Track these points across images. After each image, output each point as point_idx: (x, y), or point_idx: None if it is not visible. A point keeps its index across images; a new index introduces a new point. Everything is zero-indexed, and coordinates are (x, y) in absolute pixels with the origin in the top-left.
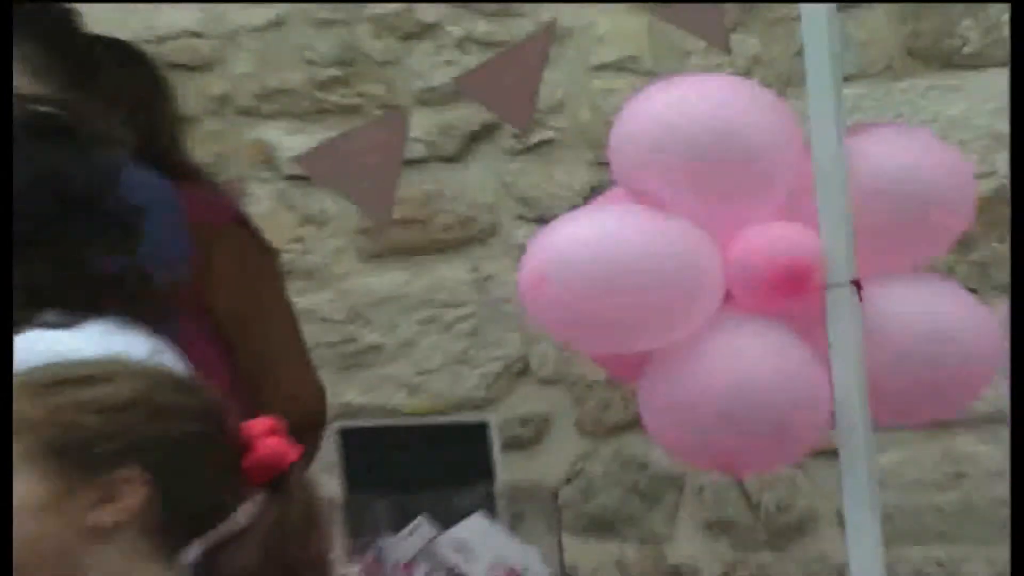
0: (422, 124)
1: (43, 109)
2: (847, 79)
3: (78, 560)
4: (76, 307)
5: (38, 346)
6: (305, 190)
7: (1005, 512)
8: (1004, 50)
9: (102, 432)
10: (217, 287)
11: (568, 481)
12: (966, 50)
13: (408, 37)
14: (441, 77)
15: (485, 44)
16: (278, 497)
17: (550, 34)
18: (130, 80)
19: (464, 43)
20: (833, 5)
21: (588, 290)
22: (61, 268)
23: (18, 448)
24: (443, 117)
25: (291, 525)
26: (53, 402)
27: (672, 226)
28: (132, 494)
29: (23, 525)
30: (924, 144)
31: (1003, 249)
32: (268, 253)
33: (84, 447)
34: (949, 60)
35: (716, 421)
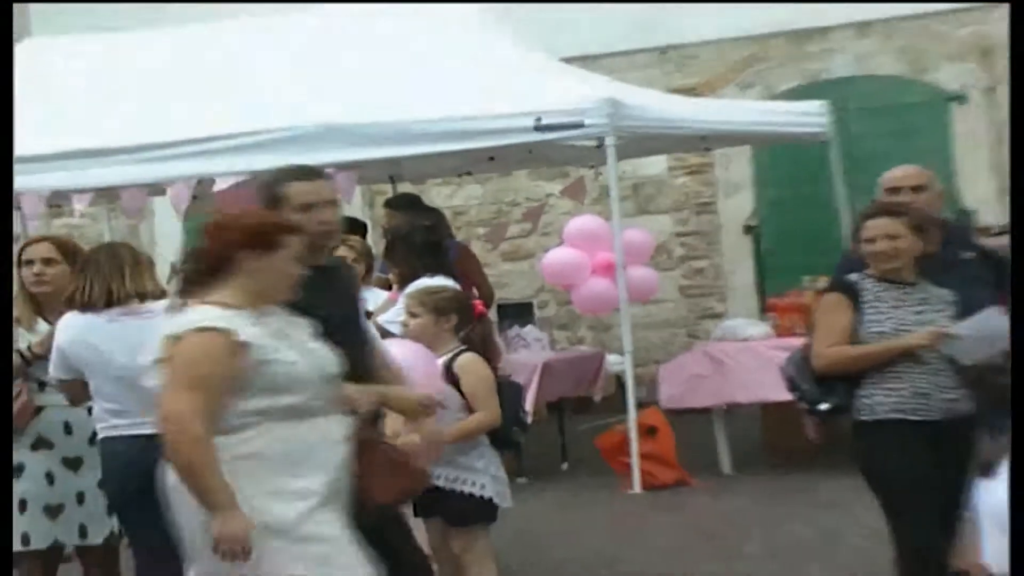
0: None
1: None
2: None
3: None
4: (442, 273)
5: (437, 282)
6: None
7: None
8: None
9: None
10: (466, 262)
11: None
12: None
13: None
14: None
15: None
16: (479, 324)
17: None
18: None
19: None
20: None
21: None
22: (436, 265)
23: None
24: None
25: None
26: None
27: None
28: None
29: None
30: None
31: None
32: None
33: None
34: None
35: None
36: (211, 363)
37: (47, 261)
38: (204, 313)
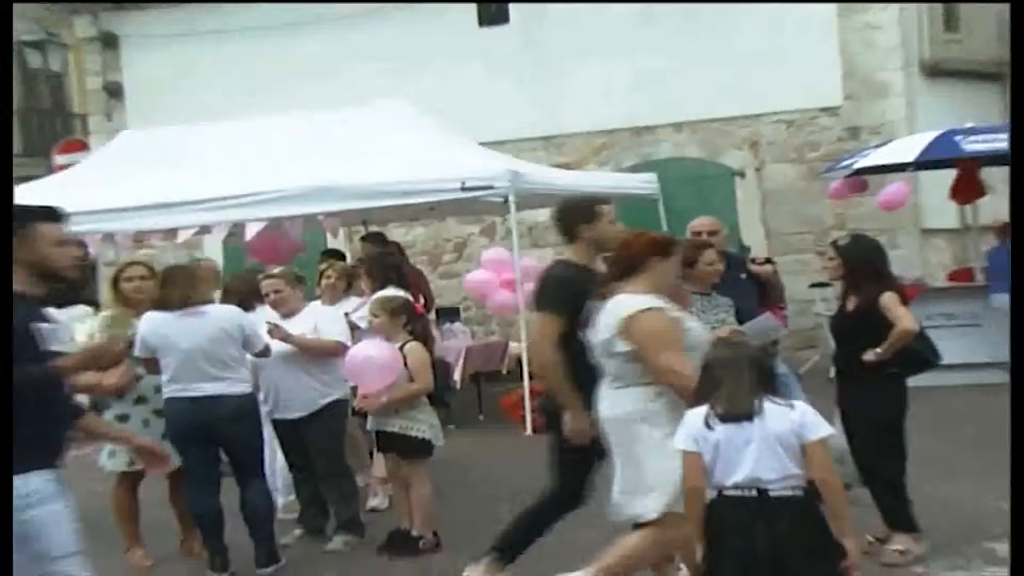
0: None
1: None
2: None
3: None
4: (397, 286)
5: (392, 292)
6: None
7: None
8: None
9: None
10: (415, 278)
11: None
12: None
13: None
14: None
15: None
16: (419, 321)
17: None
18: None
19: None
20: None
21: None
22: (393, 281)
23: None
24: None
25: (425, 326)
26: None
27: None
28: None
29: None
30: None
31: None
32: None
33: None
34: None
35: None
36: (673, 330)
37: (142, 277)
38: (637, 299)
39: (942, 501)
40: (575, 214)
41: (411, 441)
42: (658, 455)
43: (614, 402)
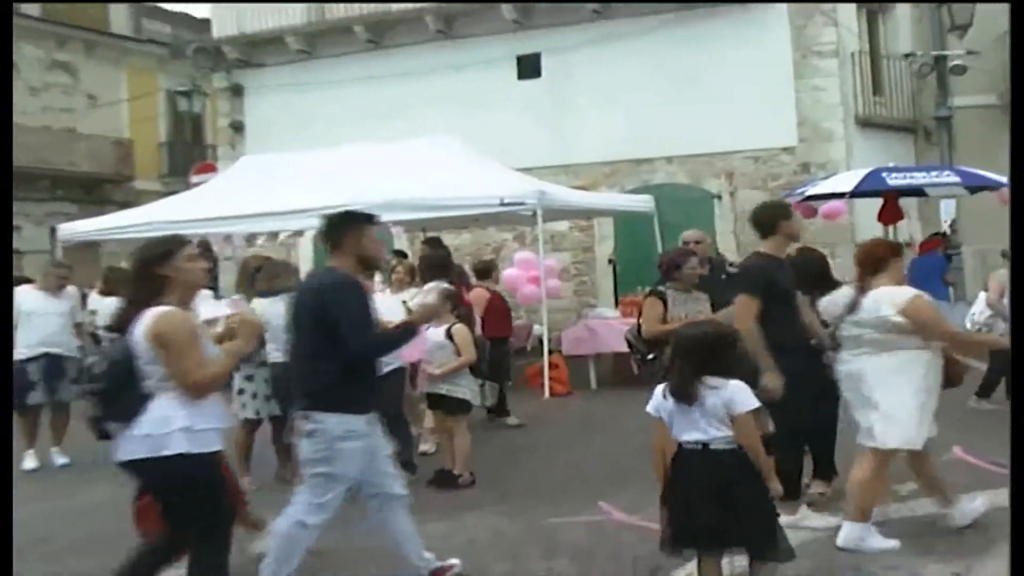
0: None
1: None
2: None
3: None
4: (445, 279)
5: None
6: None
7: None
8: None
9: None
10: (461, 276)
11: None
12: None
13: None
14: None
15: None
16: (464, 308)
17: None
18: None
19: None
20: None
21: None
22: (443, 275)
23: None
24: None
25: (468, 312)
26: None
27: None
28: None
29: None
30: None
31: None
32: (465, 273)
33: None
34: None
35: None
36: (939, 312)
37: (257, 269)
38: (904, 289)
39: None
40: (776, 212)
41: (454, 401)
42: (905, 401)
43: (879, 363)
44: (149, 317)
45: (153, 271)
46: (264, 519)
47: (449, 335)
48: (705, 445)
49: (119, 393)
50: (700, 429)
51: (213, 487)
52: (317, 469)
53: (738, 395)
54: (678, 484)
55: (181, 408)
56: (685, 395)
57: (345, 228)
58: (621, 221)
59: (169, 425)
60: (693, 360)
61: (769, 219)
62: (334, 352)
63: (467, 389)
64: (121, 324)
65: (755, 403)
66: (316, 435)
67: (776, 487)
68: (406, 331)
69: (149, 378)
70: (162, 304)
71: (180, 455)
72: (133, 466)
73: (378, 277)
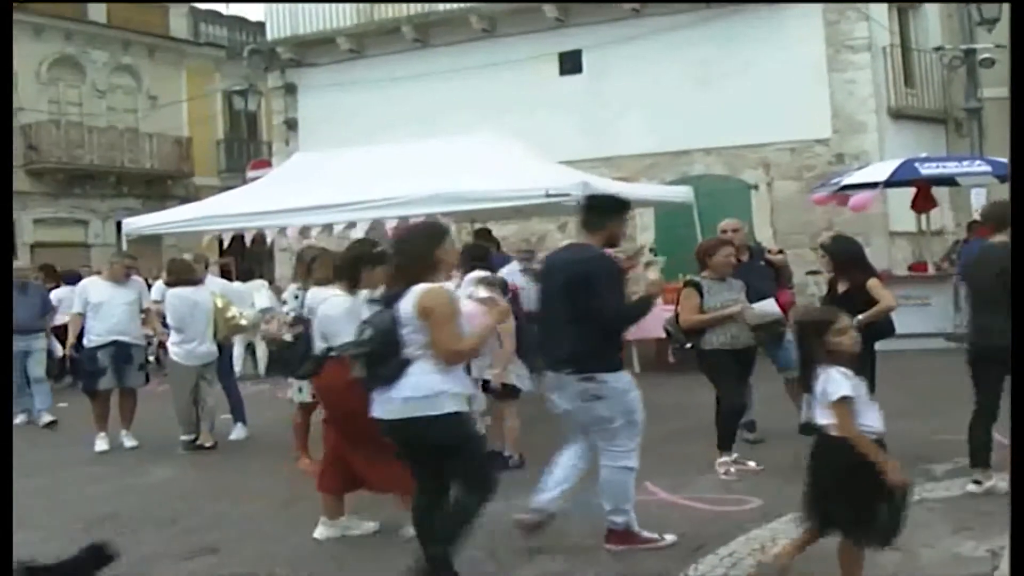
0: None
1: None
2: None
3: None
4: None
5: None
6: None
7: None
8: None
9: None
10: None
11: None
12: None
13: None
14: None
15: None
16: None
17: None
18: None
19: None
20: None
21: None
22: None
23: None
24: None
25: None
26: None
27: None
28: None
29: None
30: None
31: None
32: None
33: None
34: None
35: None
36: None
37: (313, 259)
38: None
39: (893, 435)
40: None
41: (503, 386)
42: None
43: None
44: (418, 292)
45: (430, 253)
46: None
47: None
48: (820, 430)
49: (383, 358)
50: (819, 414)
51: (474, 441)
52: (617, 422)
53: (829, 384)
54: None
55: (438, 374)
56: (805, 382)
57: (609, 212)
58: (661, 212)
59: (432, 388)
60: (802, 348)
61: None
62: (591, 318)
63: (515, 375)
64: (388, 297)
65: (844, 391)
66: (605, 393)
67: (894, 476)
68: (648, 303)
69: (411, 345)
70: (431, 281)
71: (447, 414)
72: (393, 425)
73: None
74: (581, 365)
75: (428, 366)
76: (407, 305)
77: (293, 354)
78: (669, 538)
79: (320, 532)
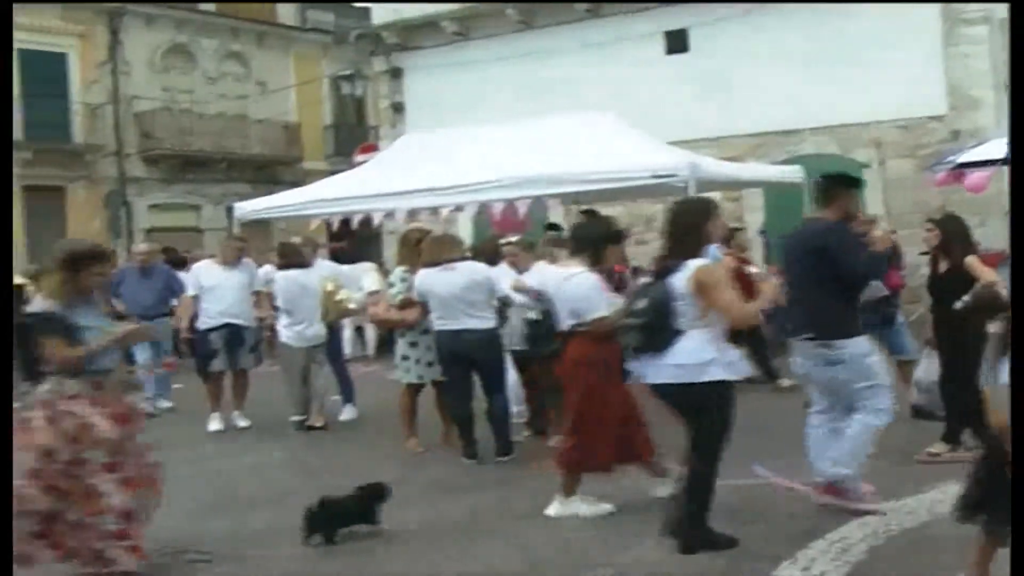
0: None
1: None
2: None
3: None
4: None
5: None
6: None
7: None
8: None
9: None
10: None
11: None
12: None
13: None
14: None
15: None
16: (618, 276)
17: None
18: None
19: None
20: None
21: None
22: None
23: None
24: None
25: (623, 280)
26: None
27: None
28: None
29: None
30: None
31: None
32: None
33: None
34: None
35: None
36: None
37: (418, 241)
38: None
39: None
40: None
41: None
42: None
43: None
44: (693, 267)
45: (701, 227)
46: (667, 467)
47: None
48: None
49: (656, 329)
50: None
51: (726, 413)
52: (862, 384)
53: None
54: None
55: (709, 344)
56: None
57: (840, 188)
58: (771, 192)
59: (703, 357)
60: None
61: None
62: (836, 286)
63: None
64: (662, 271)
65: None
66: (848, 359)
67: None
68: (881, 257)
69: (683, 317)
70: (701, 255)
71: (715, 382)
72: (665, 390)
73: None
74: (820, 331)
75: (699, 336)
76: (681, 279)
77: (539, 330)
78: (885, 506)
79: (554, 509)
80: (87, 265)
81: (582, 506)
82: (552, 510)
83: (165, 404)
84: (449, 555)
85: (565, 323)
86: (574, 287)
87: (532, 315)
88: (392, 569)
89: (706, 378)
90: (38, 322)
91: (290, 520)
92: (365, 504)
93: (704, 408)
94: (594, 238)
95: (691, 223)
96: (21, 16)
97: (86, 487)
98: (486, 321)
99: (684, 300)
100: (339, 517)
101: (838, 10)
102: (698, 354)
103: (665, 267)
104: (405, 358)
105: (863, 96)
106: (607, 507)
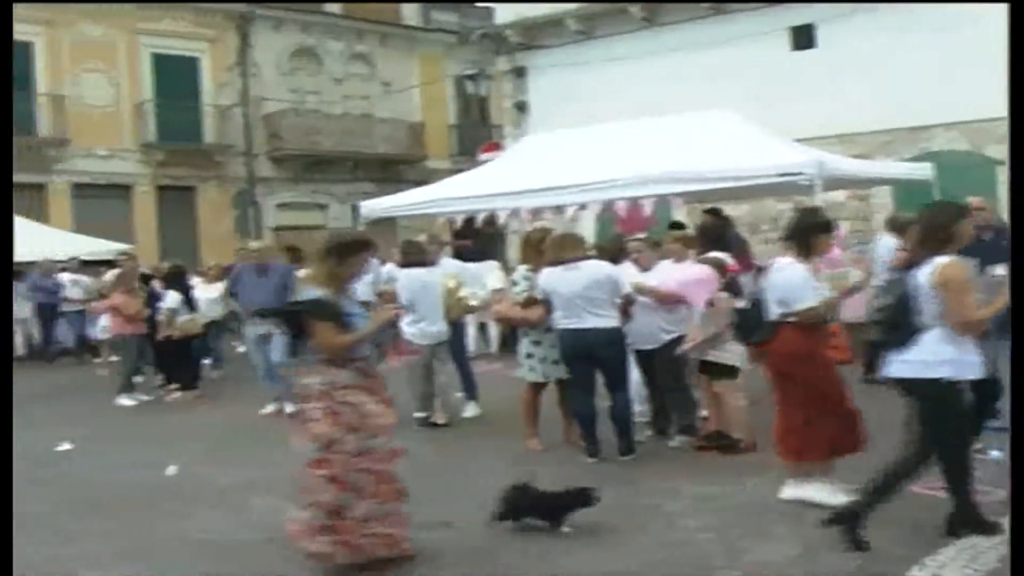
0: None
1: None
2: None
3: None
4: (722, 249)
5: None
6: None
7: None
8: None
9: None
10: (741, 243)
11: None
12: None
13: None
14: None
15: None
16: (730, 276)
17: None
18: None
19: None
20: None
21: None
22: (720, 245)
23: None
24: None
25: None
26: (713, 260)
27: None
28: None
29: None
30: None
31: None
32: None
33: None
34: None
35: None
36: None
37: (541, 240)
38: None
39: None
40: None
41: (721, 366)
42: None
43: None
44: (937, 265)
45: (949, 228)
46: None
47: (710, 303)
48: None
49: (898, 323)
50: None
51: (962, 408)
52: None
53: None
54: None
55: (948, 343)
56: None
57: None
58: (900, 190)
59: (939, 355)
60: None
61: None
62: None
63: (734, 354)
64: (908, 266)
65: None
66: None
67: None
68: None
69: (924, 314)
70: (945, 255)
71: (943, 380)
72: (902, 383)
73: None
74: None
75: (940, 334)
76: (925, 275)
77: (747, 320)
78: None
79: (787, 493)
80: (353, 254)
81: (817, 491)
82: (785, 493)
83: (285, 407)
84: (568, 553)
85: (773, 312)
86: (783, 277)
87: (741, 303)
88: (508, 560)
89: (933, 375)
90: (312, 308)
91: (414, 516)
92: (564, 504)
93: (934, 405)
94: (803, 228)
95: (942, 223)
96: (154, 22)
97: (377, 475)
98: (609, 320)
99: (926, 296)
100: (532, 508)
101: (969, 4)
102: (934, 351)
103: (912, 262)
104: (528, 356)
105: (996, 90)
106: (842, 496)
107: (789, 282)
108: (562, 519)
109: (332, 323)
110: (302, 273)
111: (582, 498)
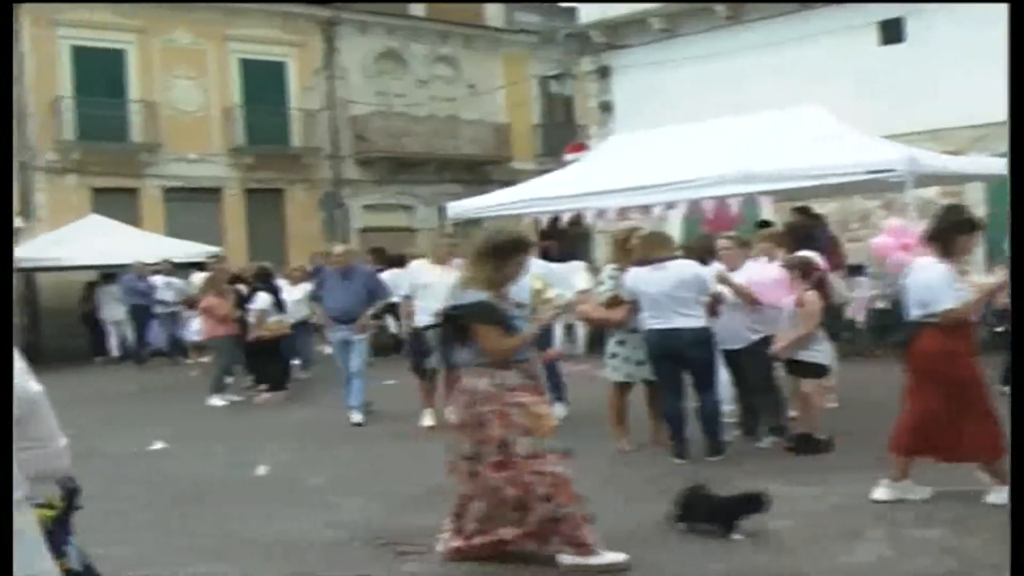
0: None
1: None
2: None
3: None
4: (811, 247)
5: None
6: None
7: None
8: None
9: None
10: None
11: None
12: None
13: None
14: None
15: None
16: (817, 274)
17: None
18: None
19: None
20: None
21: None
22: (807, 245)
23: None
24: None
25: (823, 279)
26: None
27: None
28: None
29: None
30: None
31: None
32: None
33: None
34: None
35: None
36: None
37: (628, 239)
38: None
39: None
40: None
41: (810, 365)
42: None
43: None
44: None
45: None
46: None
47: (799, 302)
48: None
49: None
50: None
51: None
52: None
53: None
54: None
55: None
56: None
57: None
58: (993, 186)
59: None
60: None
61: None
62: None
63: (821, 353)
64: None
65: None
66: None
67: None
68: None
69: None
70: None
71: None
72: None
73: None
74: None
75: None
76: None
77: (888, 321)
78: None
79: (880, 493)
80: (511, 255)
81: (911, 491)
82: (878, 493)
83: (357, 418)
84: (658, 552)
85: (913, 313)
86: (923, 278)
87: (880, 304)
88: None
89: None
90: (477, 311)
91: None
92: (738, 509)
93: None
94: (945, 228)
95: (941, 229)
96: (243, 29)
97: (551, 477)
98: (697, 320)
99: None
100: (707, 513)
101: None
102: None
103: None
104: (614, 356)
105: None
106: (927, 489)
107: (929, 283)
108: (734, 525)
109: (498, 326)
110: (455, 275)
111: (755, 503)
